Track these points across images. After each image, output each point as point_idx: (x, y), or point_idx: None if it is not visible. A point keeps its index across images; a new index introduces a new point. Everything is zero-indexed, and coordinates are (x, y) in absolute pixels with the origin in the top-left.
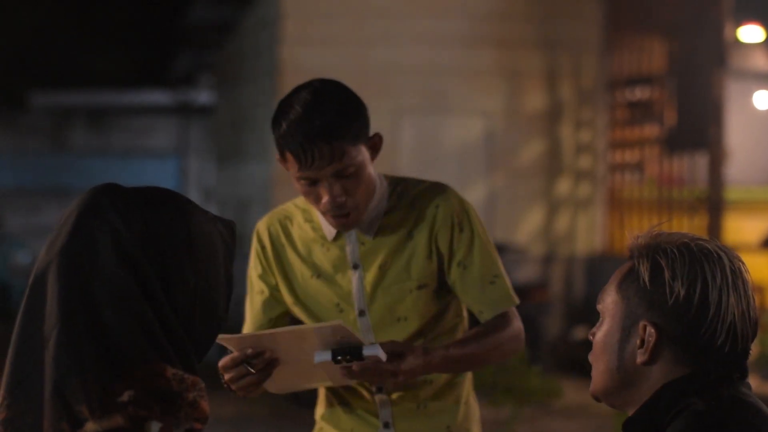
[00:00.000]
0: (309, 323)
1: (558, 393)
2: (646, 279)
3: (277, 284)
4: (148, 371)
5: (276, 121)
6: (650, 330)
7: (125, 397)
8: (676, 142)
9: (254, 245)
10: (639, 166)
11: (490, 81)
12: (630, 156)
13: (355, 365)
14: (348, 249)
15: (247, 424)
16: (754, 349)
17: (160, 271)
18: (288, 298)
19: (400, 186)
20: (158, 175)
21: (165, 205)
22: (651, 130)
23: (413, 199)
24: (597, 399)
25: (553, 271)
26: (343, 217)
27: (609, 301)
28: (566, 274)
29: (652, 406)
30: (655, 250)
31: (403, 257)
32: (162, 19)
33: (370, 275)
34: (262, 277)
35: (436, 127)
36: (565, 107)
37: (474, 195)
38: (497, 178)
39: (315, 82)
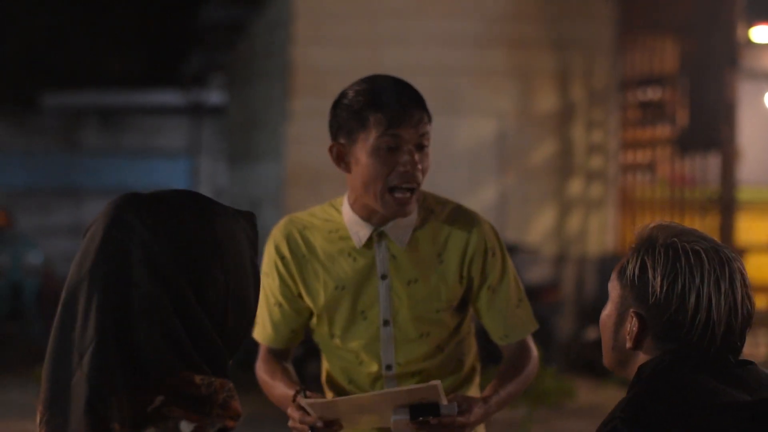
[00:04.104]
0: (335, 334)
1: (571, 393)
2: (634, 274)
3: (299, 295)
4: (177, 380)
5: (348, 95)
6: (634, 320)
7: (156, 402)
8: (687, 143)
9: (271, 255)
10: (651, 167)
11: (502, 81)
12: (642, 156)
13: (432, 420)
14: (378, 258)
15: (257, 423)
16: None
17: (191, 279)
18: (313, 308)
19: (427, 201)
20: (169, 175)
21: (189, 209)
22: (663, 131)
23: (444, 220)
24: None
25: (565, 272)
26: (410, 192)
27: (612, 285)
28: (578, 275)
29: (632, 387)
30: (646, 247)
31: (432, 279)
32: (173, 19)
33: (398, 288)
34: (281, 289)
35: (448, 127)
36: (577, 107)
37: (486, 195)
38: (509, 178)
39: (372, 75)
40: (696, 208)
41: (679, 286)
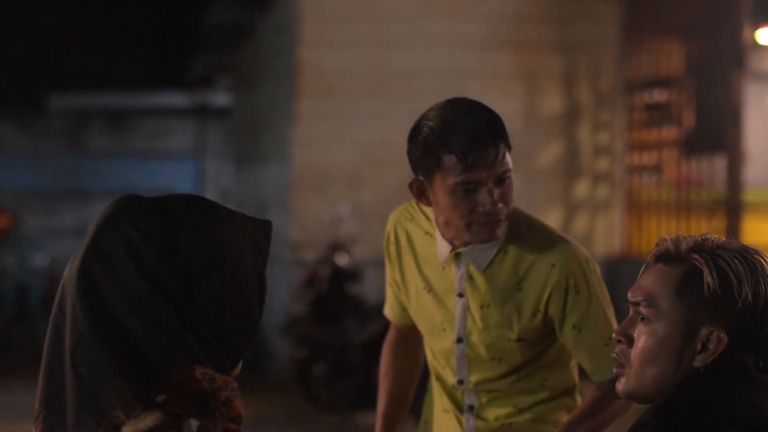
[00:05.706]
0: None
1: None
2: (715, 285)
3: (401, 280)
4: (179, 375)
5: (423, 131)
6: (720, 336)
7: (160, 399)
8: (694, 145)
9: (386, 235)
10: (657, 169)
11: (508, 83)
12: (648, 158)
13: None
14: (457, 276)
15: (263, 425)
16: None
17: (182, 281)
18: (405, 302)
19: (518, 224)
20: (176, 177)
21: (187, 213)
22: (669, 133)
23: (531, 247)
24: (631, 398)
25: None
26: (497, 222)
27: (665, 306)
28: None
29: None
30: (714, 256)
31: (507, 307)
32: (179, 21)
33: (473, 309)
34: (390, 270)
35: None
36: (583, 109)
37: None
38: (515, 180)
39: (452, 99)
40: (702, 210)
41: (763, 289)
